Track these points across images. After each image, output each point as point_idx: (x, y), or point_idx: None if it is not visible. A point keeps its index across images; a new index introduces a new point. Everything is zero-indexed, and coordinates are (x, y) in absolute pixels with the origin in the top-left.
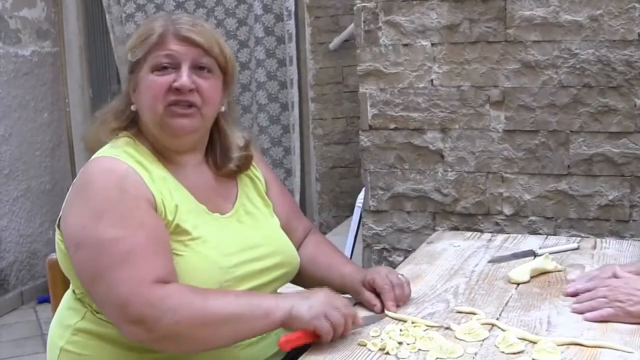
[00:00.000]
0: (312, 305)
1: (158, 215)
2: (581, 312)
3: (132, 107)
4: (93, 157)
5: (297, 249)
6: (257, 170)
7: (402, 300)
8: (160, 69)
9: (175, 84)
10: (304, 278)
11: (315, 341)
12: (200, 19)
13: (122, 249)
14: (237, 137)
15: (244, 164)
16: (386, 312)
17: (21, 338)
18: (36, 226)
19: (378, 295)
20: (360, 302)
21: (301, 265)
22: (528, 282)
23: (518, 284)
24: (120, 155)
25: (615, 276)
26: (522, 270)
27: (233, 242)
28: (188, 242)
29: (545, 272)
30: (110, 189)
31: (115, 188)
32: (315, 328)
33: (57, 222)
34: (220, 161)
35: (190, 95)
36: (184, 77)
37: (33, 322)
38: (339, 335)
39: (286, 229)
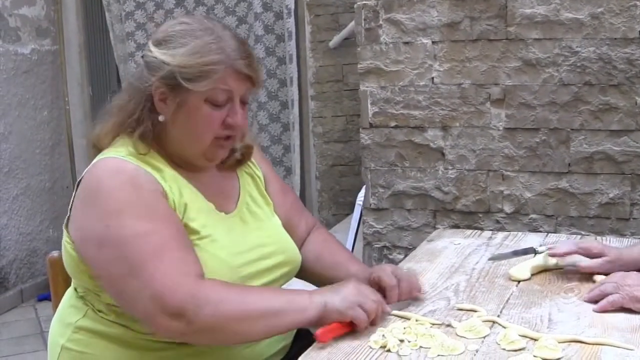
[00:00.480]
0: (344, 297)
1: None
2: (592, 301)
3: (161, 118)
4: (98, 157)
5: (301, 246)
6: (257, 169)
7: (413, 292)
8: (215, 102)
9: (230, 121)
10: (309, 275)
11: (350, 330)
12: (240, 36)
13: (154, 242)
14: None
15: (247, 153)
16: (391, 310)
17: (21, 336)
18: (36, 224)
19: (384, 293)
20: None
21: (307, 262)
22: (529, 279)
23: (519, 282)
24: (128, 157)
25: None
26: (522, 267)
27: (240, 241)
28: (197, 241)
29: (546, 270)
30: (124, 188)
31: (130, 185)
32: (351, 318)
33: (65, 221)
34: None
35: (237, 130)
36: (239, 116)
37: (33, 320)
38: (374, 323)
39: (287, 226)
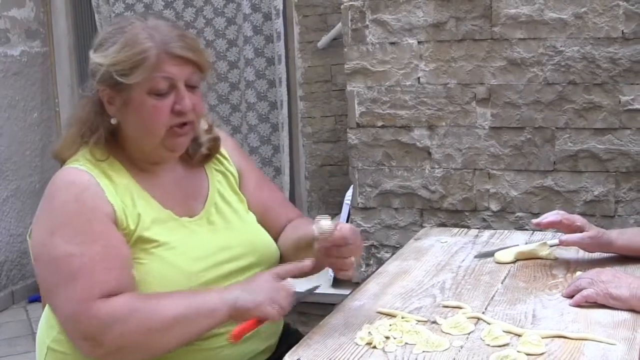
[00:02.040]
0: (255, 294)
1: (119, 226)
2: (569, 296)
3: (113, 121)
4: (63, 167)
5: (279, 237)
6: (231, 165)
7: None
8: (158, 92)
9: (178, 107)
10: (284, 260)
11: (263, 323)
12: (174, 21)
13: (72, 266)
14: (201, 123)
15: (214, 147)
16: (378, 309)
17: (13, 337)
18: (26, 226)
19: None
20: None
21: (283, 251)
22: (513, 263)
23: (504, 279)
24: (86, 165)
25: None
26: (508, 252)
27: (202, 246)
28: (152, 249)
29: (534, 258)
30: (68, 203)
31: (74, 202)
32: (262, 315)
33: (29, 232)
34: (191, 150)
35: (189, 115)
36: (186, 100)
37: (24, 321)
38: (284, 314)
39: (264, 220)
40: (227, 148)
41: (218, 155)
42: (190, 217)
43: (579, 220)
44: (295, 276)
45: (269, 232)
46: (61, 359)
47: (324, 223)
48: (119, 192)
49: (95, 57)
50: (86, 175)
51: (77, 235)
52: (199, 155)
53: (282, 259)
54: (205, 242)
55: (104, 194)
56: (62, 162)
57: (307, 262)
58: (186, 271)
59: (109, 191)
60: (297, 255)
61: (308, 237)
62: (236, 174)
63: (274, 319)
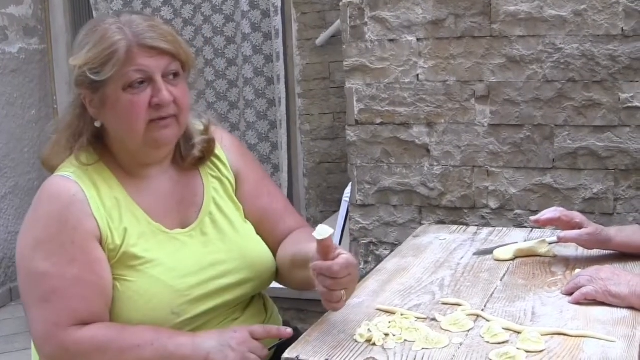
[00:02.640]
0: (227, 355)
1: (103, 242)
2: (568, 294)
3: (97, 124)
4: (52, 175)
5: (278, 248)
6: (227, 169)
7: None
8: (133, 86)
9: (155, 100)
10: (287, 275)
11: None
12: (149, 15)
13: (47, 286)
14: (195, 124)
15: (207, 149)
16: (377, 306)
17: (11, 334)
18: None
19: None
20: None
21: (282, 264)
22: (512, 260)
23: (503, 276)
24: (75, 173)
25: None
26: (507, 249)
27: (191, 262)
28: (139, 266)
29: (533, 255)
30: (52, 219)
31: (57, 218)
32: None
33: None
34: (184, 151)
35: (169, 108)
36: (164, 92)
37: (22, 318)
38: None
39: (262, 228)
40: (226, 149)
41: (214, 159)
42: (183, 227)
43: (577, 216)
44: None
45: (266, 241)
46: None
47: (322, 228)
48: (106, 204)
49: (71, 61)
50: (74, 187)
51: (56, 254)
52: (192, 158)
53: (279, 272)
54: (196, 256)
55: (89, 209)
56: (51, 169)
57: (289, 330)
58: (174, 289)
59: (95, 204)
60: (292, 273)
61: (305, 255)
62: (233, 180)
63: None
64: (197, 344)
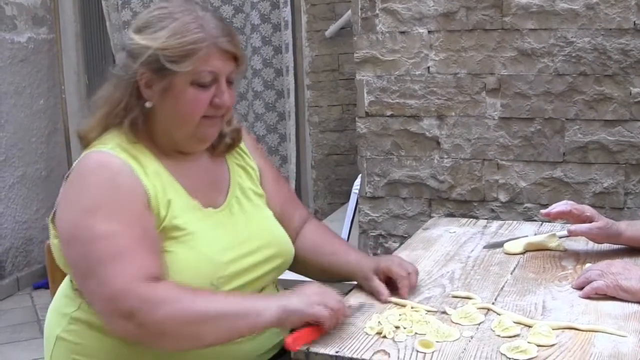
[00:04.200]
0: (305, 297)
1: (151, 211)
2: (579, 288)
3: (147, 104)
4: (87, 150)
5: (295, 238)
6: (251, 159)
7: (412, 288)
8: (201, 84)
9: (217, 101)
10: (306, 267)
11: (320, 335)
12: (222, 17)
13: (114, 245)
14: None
15: (237, 138)
16: (387, 297)
17: (17, 324)
18: (32, 213)
19: (387, 283)
20: (361, 288)
21: (304, 253)
22: (522, 254)
23: (513, 270)
24: (115, 149)
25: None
26: (517, 243)
27: (226, 238)
28: (181, 238)
29: (543, 249)
30: (103, 185)
31: (109, 184)
32: (314, 316)
33: (51, 215)
34: (215, 141)
35: (224, 109)
36: (226, 96)
37: (29, 308)
38: (338, 322)
39: (281, 218)
40: (247, 145)
41: (239, 150)
42: (214, 208)
43: (588, 210)
44: None
45: (284, 228)
46: (72, 349)
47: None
48: (150, 177)
49: (140, 39)
50: (117, 159)
51: (118, 215)
52: (223, 145)
53: (296, 262)
54: (230, 233)
55: (137, 177)
56: (87, 143)
57: (386, 295)
58: (215, 261)
59: (141, 174)
60: (318, 272)
61: (349, 270)
62: (257, 170)
63: (326, 320)
64: (272, 298)
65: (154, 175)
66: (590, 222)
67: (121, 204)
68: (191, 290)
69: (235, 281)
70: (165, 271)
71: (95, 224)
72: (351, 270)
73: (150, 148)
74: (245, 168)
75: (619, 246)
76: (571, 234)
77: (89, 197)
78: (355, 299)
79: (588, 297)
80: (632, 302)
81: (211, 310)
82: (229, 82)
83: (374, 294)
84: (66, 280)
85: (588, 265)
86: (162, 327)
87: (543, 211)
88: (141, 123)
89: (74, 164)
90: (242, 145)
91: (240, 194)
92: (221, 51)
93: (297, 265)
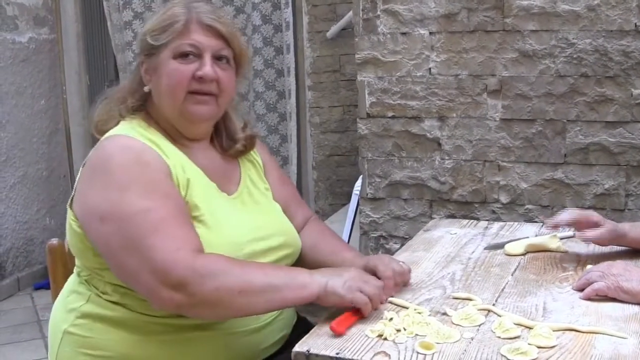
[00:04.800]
0: (345, 280)
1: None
2: (579, 290)
3: (145, 89)
4: (105, 136)
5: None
6: (257, 155)
7: (398, 287)
8: (183, 56)
9: (199, 73)
10: (305, 263)
11: (359, 318)
12: (219, 8)
13: (154, 218)
14: (237, 122)
15: (250, 143)
16: (389, 298)
17: (18, 324)
18: (33, 213)
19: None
20: None
21: (304, 250)
22: (523, 255)
23: (514, 271)
24: (131, 133)
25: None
26: (518, 244)
27: (241, 221)
28: (201, 217)
29: (544, 250)
30: (131, 164)
31: (136, 162)
32: (352, 301)
33: (69, 201)
34: (226, 144)
35: (211, 85)
36: (208, 67)
37: (30, 308)
38: (376, 307)
39: (285, 214)
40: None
41: None
42: (229, 194)
43: (594, 216)
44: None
45: None
46: (81, 343)
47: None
48: (171, 157)
49: (140, 35)
50: (138, 142)
51: (149, 191)
52: (234, 151)
53: (306, 260)
54: (244, 218)
55: (159, 156)
56: (101, 133)
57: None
58: (234, 241)
59: (163, 155)
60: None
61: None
62: (262, 164)
63: (362, 307)
64: (314, 275)
65: (173, 156)
66: (597, 226)
67: (152, 179)
68: (239, 262)
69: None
70: (202, 243)
71: (132, 200)
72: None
73: (163, 134)
74: (253, 162)
75: (621, 248)
76: (582, 239)
77: (119, 175)
78: None
79: (589, 299)
80: (632, 303)
81: (260, 281)
82: (218, 59)
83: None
84: (72, 276)
85: (589, 266)
86: (214, 298)
87: (549, 222)
88: (145, 109)
89: (91, 152)
90: None
91: (251, 185)
92: (202, 25)
93: (297, 261)
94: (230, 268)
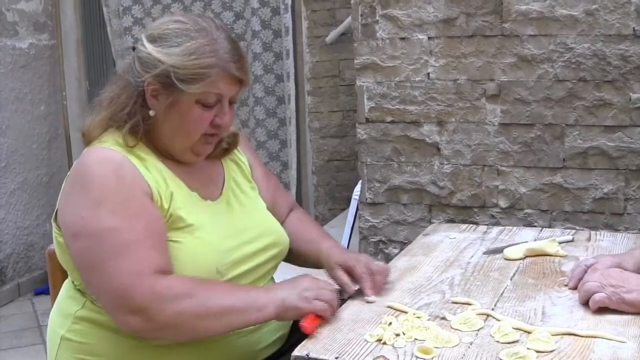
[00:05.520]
0: (300, 293)
1: (155, 204)
2: (582, 303)
3: (151, 113)
4: (88, 147)
5: (282, 225)
6: (242, 155)
7: (381, 287)
8: (206, 104)
9: (218, 122)
10: (288, 253)
11: (322, 319)
12: (234, 38)
13: (120, 239)
14: None
15: (233, 141)
16: (388, 303)
17: (19, 329)
18: (33, 218)
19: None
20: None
21: None
22: (522, 259)
23: (513, 275)
24: (115, 146)
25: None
26: (517, 248)
27: (226, 227)
28: (185, 228)
29: (543, 254)
30: (107, 178)
31: (112, 176)
32: (312, 311)
33: (53, 215)
34: None
35: (226, 127)
36: (227, 118)
37: (30, 313)
38: (334, 310)
39: (273, 208)
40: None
41: None
42: (212, 200)
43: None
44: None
45: (275, 215)
46: (78, 349)
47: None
48: (152, 171)
49: (154, 50)
50: (118, 154)
51: (121, 209)
52: (219, 150)
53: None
54: (228, 223)
55: (138, 171)
56: (89, 141)
57: (352, 288)
58: (218, 249)
59: (142, 169)
60: (299, 260)
61: (324, 259)
62: (247, 164)
63: (324, 313)
64: (270, 293)
65: (154, 170)
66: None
67: (125, 196)
68: (198, 283)
69: (238, 268)
70: (171, 263)
71: (101, 218)
72: (320, 259)
73: (149, 148)
74: (238, 163)
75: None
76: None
77: (93, 190)
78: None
79: (586, 303)
80: (635, 314)
81: (218, 305)
82: (231, 103)
83: (339, 284)
84: (67, 281)
85: (581, 259)
86: (173, 322)
87: (571, 286)
88: (142, 128)
89: (76, 161)
90: None
91: (235, 187)
92: (230, 76)
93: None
94: (190, 292)
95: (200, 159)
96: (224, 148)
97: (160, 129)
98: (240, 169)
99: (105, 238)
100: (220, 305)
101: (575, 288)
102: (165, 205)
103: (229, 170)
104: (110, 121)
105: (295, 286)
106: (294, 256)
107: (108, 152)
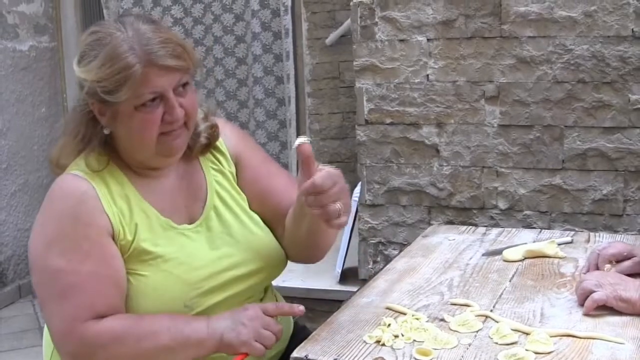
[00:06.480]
0: (239, 332)
1: (116, 238)
2: (580, 303)
3: (105, 131)
4: (63, 174)
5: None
6: (228, 160)
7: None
8: (146, 105)
9: (168, 118)
10: (293, 244)
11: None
12: (153, 20)
13: (63, 282)
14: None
15: (213, 134)
16: (387, 304)
17: (19, 331)
18: (34, 220)
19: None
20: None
21: (287, 233)
22: (521, 261)
23: (512, 277)
24: (85, 173)
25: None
26: (516, 250)
27: (201, 255)
28: (150, 261)
29: (542, 256)
30: (64, 217)
31: (70, 216)
32: (248, 352)
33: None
34: (190, 142)
35: (180, 120)
36: (177, 110)
37: (31, 315)
38: (269, 348)
39: (267, 208)
40: (226, 137)
41: (215, 152)
42: (190, 223)
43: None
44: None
45: (273, 220)
46: None
47: (300, 138)
48: (117, 201)
49: (78, 71)
50: (84, 185)
51: (70, 251)
52: (199, 146)
53: (291, 246)
54: (204, 250)
55: (101, 205)
56: (61, 170)
57: (301, 308)
58: (186, 282)
59: (106, 201)
60: (298, 230)
61: (299, 201)
62: (234, 170)
63: (258, 354)
64: (211, 326)
65: (121, 199)
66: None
67: (78, 236)
68: (133, 325)
69: (212, 299)
70: (121, 303)
71: (48, 259)
72: (296, 203)
73: (122, 168)
74: (223, 171)
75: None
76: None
77: (49, 227)
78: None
79: (592, 309)
80: (630, 314)
81: (152, 346)
82: (183, 86)
83: (307, 193)
84: None
85: (583, 276)
86: None
87: (586, 272)
88: (107, 147)
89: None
90: (219, 144)
91: (220, 203)
92: (157, 67)
93: (290, 252)
94: (123, 337)
95: (175, 158)
96: (203, 143)
97: (120, 144)
98: (226, 179)
99: (50, 279)
100: (155, 347)
101: (581, 303)
102: (129, 237)
103: (212, 183)
104: (75, 146)
105: (238, 320)
106: (299, 232)
107: (74, 184)
